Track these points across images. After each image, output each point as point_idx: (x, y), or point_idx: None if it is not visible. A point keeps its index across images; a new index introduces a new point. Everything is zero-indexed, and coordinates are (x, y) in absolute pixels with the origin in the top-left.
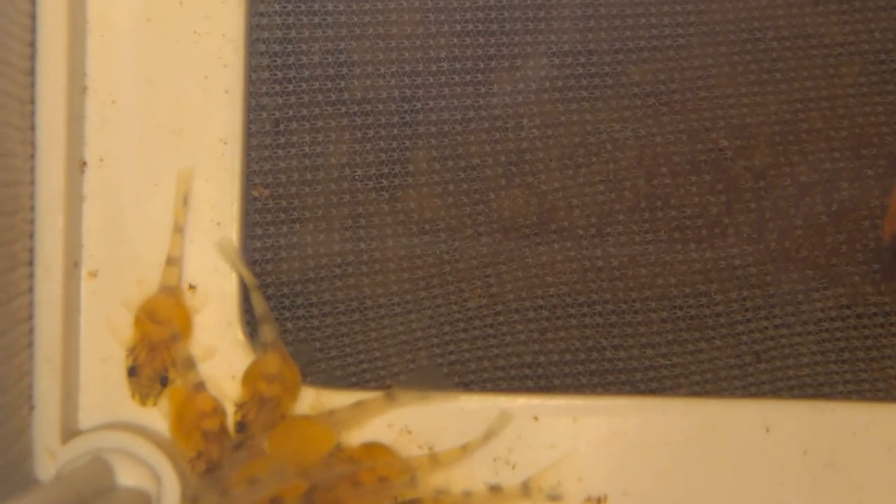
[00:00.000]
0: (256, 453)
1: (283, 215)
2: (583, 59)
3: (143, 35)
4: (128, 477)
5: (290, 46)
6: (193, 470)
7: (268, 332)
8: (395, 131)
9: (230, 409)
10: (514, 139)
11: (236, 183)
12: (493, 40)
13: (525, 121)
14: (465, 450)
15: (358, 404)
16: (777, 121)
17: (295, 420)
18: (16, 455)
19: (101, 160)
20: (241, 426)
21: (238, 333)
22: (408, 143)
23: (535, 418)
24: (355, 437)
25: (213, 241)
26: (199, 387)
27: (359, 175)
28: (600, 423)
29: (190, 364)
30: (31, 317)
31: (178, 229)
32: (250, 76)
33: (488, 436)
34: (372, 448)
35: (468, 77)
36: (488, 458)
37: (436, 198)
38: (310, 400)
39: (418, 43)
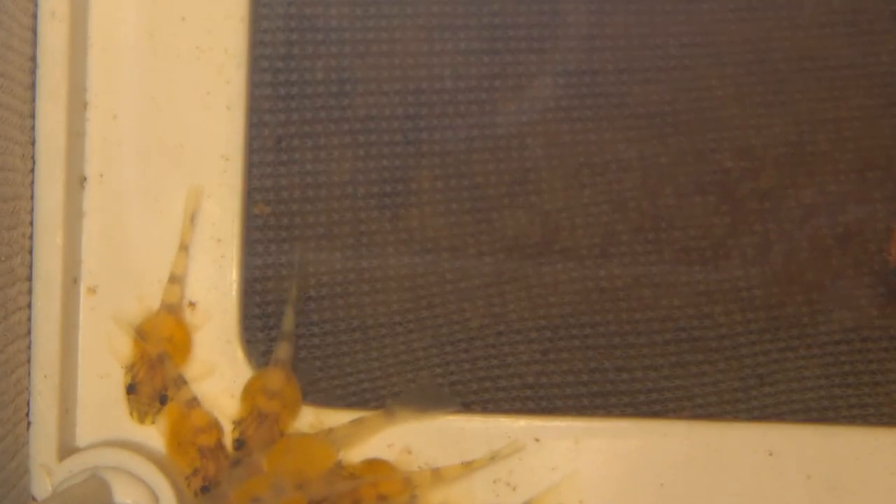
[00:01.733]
0: (254, 470)
1: (284, 233)
2: (588, 79)
3: (145, 50)
4: (125, 495)
5: (292, 63)
6: (190, 487)
7: (285, 349)
8: (399, 149)
9: (228, 427)
10: (518, 158)
11: (237, 200)
12: (497, 59)
13: (529, 140)
14: (469, 467)
15: (357, 421)
16: (783, 143)
17: (293, 438)
18: (12, 472)
19: (102, 176)
20: (239, 443)
21: (237, 351)
22: (411, 161)
23: (537, 440)
24: (356, 454)
25: (213, 259)
26: (193, 403)
27: (361, 193)
28: (602, 445)
29: (180, 381)
30: (29, 332)
31: (184, 248)
32: (252, 92)
33: (494, 457)
34: (373, 464)
35: (472, 96)
36: (489, 480)
37: (439, 217)
38: (310, 419)
39: (422, 61)
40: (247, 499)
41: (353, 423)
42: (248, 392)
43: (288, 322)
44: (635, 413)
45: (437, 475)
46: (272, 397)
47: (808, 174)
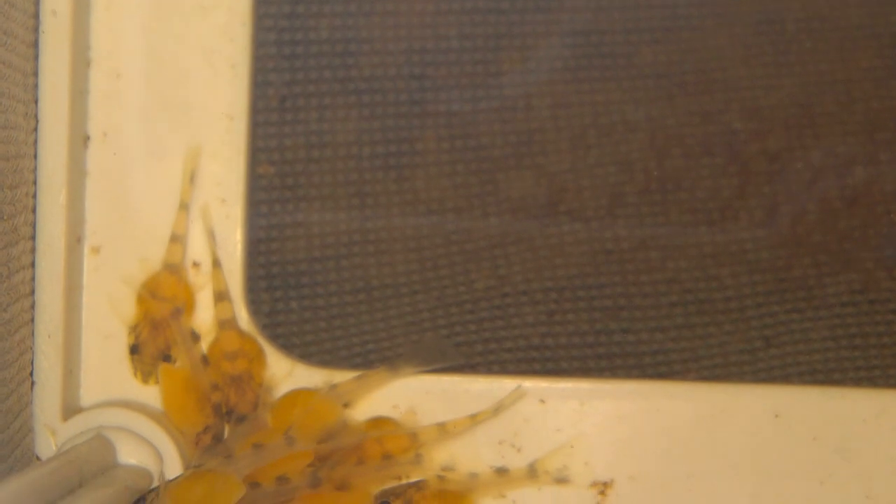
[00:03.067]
0: (260, 426)
1: (288, 193)
2: (595, 39)
3: (149, 8)
4: (129, 455)
5: (297, 22)
6: (198, 444)
7: (226, 309)
8: (404, 110)
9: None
10: (523, 119)
11: (242, 160)
12: (503, 19)
13: (535, 101)
14: (474, 420)
15: (361, 376)
16: (791, 104)
17: (298, 393)
18: (16, 432)
19: (105, 135)
20: (229, 415)
21: (241, 311)
22: (416, 121)
23: (542, 401)
24: (362, 413)
25: (218, 219)
26: (205, 360)
27: (366, 154)
28: (607, 407)
29: (195, 338)
30: (32, 292)
31: (184, 207)
32: (257, 51)
33: (499, 409)
34: (379, 422)
35: (478, 56)
36: (494, 441)
37: (444, 178)
38: (315, 380)
39: (428, 20)
40: (251, 444)
41: (358, 378)
42: (212, 362)
43: (220, 282)
44: (641, 375)
45: (443, 430)
46: (235, 358)
47: (816, 136)
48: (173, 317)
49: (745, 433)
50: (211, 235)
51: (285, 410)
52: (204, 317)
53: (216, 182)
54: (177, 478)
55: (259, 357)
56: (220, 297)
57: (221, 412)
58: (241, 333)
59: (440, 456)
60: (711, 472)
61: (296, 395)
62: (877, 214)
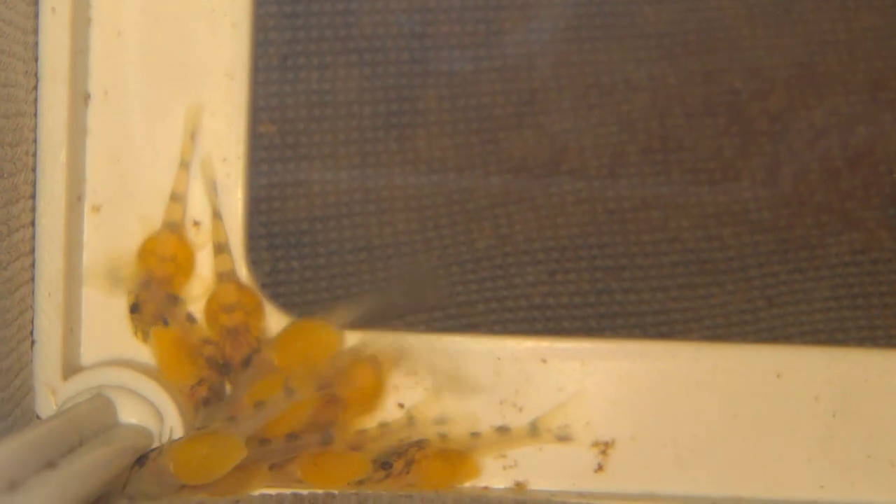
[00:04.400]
0: (266, 368)
1: (289, 152)
2: None
3: None
4: (130, 414)
5: None
6: (193, 397)
7: (225, 261)
8: (405, 69)
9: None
10: (525, 78)
11: (242, 118)
12: None
13: (537, 60)
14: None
15: (353, 304)
16: (793, 63)
17: (298, 324)
18: (16, 390)
19: (106, 93)
20: (225, 367)
21: (242, 270)
22: (417, 80)
23: (544, 361)
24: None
25: (218, 178)
26: (191, 318)
27: (367, 113)
28: (609, 366)
29: (173, 300)
30: (32, 251)
31: (184, 165)
32: (258, 10)
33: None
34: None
35: (480, 14)
36: (495, 401)
37: (445, 137)
38: None
39: None
40: (253, 403)
41: (354, 303)
42: (209, 314)
43: (220, 234)
44: (643, 334)
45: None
46: (232, 311)
47: (818, 95)
48: (143, 288)
49: (747, 393)
50: (211, 187)
51: (288, 345)
52: (205, 275)
53: (217, 141)
54: (180, 438)
55: (257, 310)
56: (220, 249)
57: (217, 364)
58: (240, 286)
59: (431, 411)
60: (713, 432)
61: (296, 329)
62: (879, 174)
